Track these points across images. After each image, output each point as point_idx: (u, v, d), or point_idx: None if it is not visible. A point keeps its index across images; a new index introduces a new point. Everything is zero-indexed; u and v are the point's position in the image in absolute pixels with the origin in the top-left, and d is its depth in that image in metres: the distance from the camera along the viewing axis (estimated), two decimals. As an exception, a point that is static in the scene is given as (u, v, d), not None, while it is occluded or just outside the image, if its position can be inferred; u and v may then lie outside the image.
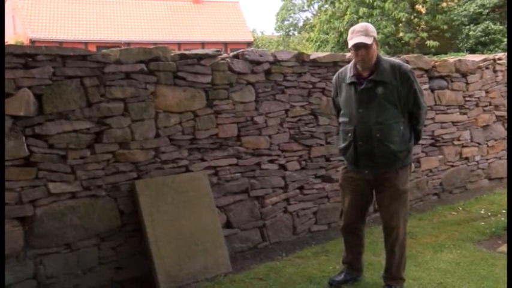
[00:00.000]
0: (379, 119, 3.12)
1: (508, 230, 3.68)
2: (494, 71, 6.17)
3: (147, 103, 3.65)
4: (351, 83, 3.23)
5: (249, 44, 31.32)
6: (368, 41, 3.05)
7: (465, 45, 17.74)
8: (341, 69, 3.41)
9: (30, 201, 3.19)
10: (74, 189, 3.36)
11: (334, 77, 3.46)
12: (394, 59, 3.33)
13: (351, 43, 3.11)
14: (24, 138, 3.13)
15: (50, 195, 3.27)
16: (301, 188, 4.57)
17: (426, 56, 5.83)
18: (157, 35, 29.00)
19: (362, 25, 3.14)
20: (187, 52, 3.91)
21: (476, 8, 17.39)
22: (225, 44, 30.46)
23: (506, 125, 6.36)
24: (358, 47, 3.08)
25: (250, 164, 4.24)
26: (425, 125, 5.02)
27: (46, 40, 24.57)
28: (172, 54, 3.80)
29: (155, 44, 23.49)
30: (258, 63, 4.21)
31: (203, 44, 28.76)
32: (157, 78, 3.70)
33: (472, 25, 17.45)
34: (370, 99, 3.14)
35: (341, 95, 3.33)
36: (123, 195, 3.58)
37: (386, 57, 3.36)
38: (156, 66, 3.69)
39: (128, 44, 25.21)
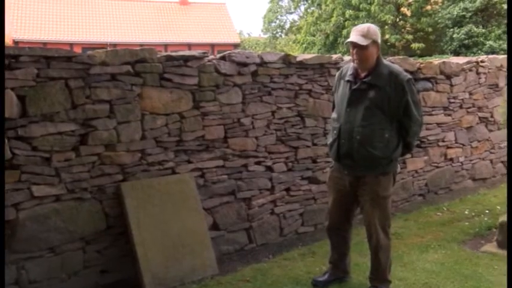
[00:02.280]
0: (363, 122, 3.11)
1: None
2: (477, 74, 6.24)
3: (133, 105, 3.61)
4: (348, 81, 3.23)
5: (236, 45, 31.29)
6: (362, 42, 3.05)
7: (449, 47, 17.94)
8: (345, 66, 3.41)
9: (13, 204, 3.13)
10: (58, 192, 3.32)
11: (337, 73, 3.46)
12: (396, 66, 3.26)
13: (347, 40, 3.16)
14: (7, 140, 3.08)
15: (33, 199, 3.22)
16: (287, 189, 4.57)
17: (411, 58, 5.88)
18: (144, 37, 28.83)
19: (364, 26, 3.15)
20: (173, 54, 3.89)
21: (459, 11, 17.61)
22: (212, 45, 30.40)
23: (489, 126, 6.44)
24: (353, 45, 3.10)
25: (237, 166, 4.23)
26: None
27: (30, 41, 24.27)
28: (158, 55, 3.77)
29: (141, 45, 23.22)
30: (245, 64, 4.20)
31: (190, 46, 28.68)
32: (143, 80, 3.66)
33: (455, 28, 17.67)
34: (360, 100, 3.14)
35: (338, 91, 3.34)
36: (108, 197, 3.54)
37: (389, 63, 3.30)
38: (143, 67, 3.66)
39: (114, 45, 25.08)
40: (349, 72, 3.24)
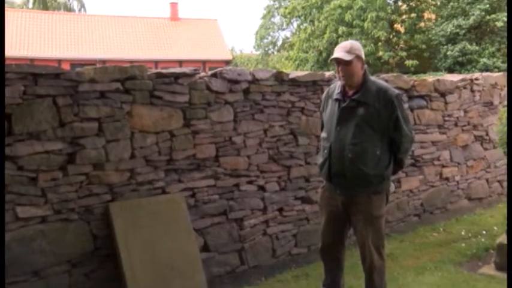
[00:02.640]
0: (354, 140, 3.13)
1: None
2: (472, 91, 6.31)
3: (122, 123, 3.61)
4: (336, 100, 3.27)
5: (227, 62, 31.45)
6: (347, 57, 3.10)
7: (443, 64, 18.13)
8: (332, 85, 3.45)
9: (-2, 225, 3.10)
10: (44, 213, 3.29)
11: (325, 92, 3.51)
12: (384, 83, 3.32)
13: (331, 57, 3.22)
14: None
15: (17, 220, 3.18)
16: (280, 209, 4.56)
17: (405, 76, 5.94)
18: (134, 53, 28.93)
19: (347, 42, 3.21)
20: (164, 71, 3.91)
21: (453, 28, 17.86)
22: (203, 62, 30.55)
23: (484, 145, 6.48)
24: (337, 62, 3.15)
25: (229, 185, 4.22)
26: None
27: (17, 57, 24.23)
28: (148, 72, 3.78)
29: (131, 62, 23.33)
30: (237, 82, 4.22)
31: (181, 62, 28.77)
32: (133, 97, 3.67)
33: (449, 45, 17.90)
34: (350, 118, 3.17)
35: (326, 110, 3.37)
36: (96, 218, 3.52)
37: (376, 79, 3.36)
38: (132, 85, 3.67)
39: (103, 62, 25.07)
40: (337, 91, 3.28)
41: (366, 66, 3.25)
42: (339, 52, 3.13)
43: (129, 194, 3.67)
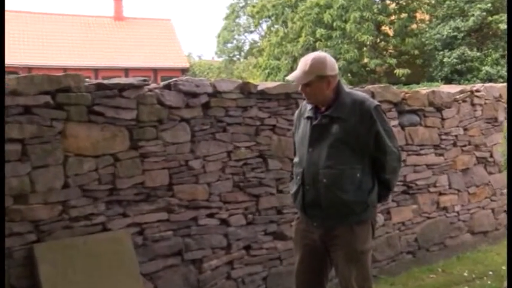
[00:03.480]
0: (328, 162, 3.16)
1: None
2: (473, 105, 6.43)
3: (53, 145, 3.58)
4: (307, 118, 3.31)
5: (183, 71, 31.54)
6: (302, 79, 3.17)
7: (439, 73, 18.44)
8: (304, 102, 3.48)
9: None
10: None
11: (297, 110, 3.56)
12: (361, 93, 3.37)
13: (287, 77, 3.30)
14: None
15: None
16: (247, 247, 4.56)
17: (395, 87, 6.04)
18: (69, 59, 28.67)
19: (308, 58, 3.21)
20: (106, 81, 3.91)
21: (450, 31, 18.19)
22: (155, 70, 30.56)
23: (488, 168, 6.61)
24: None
25: (185, 220, 4.21)
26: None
27: None
28: (86, 83, 3.78)
29: (65, 69, 23.22)
30: (194, 95, 4.24)
31: (127, 71, 28.71)
32: (67, 113, 3.65)
33: (446, 51, 18.22)
34: (323, 137, 3.20)
35: (298, 131, 3.41)
36: (17, 264, 3.46)
37: (351, 90, 3.42)
38: (66, 98, 3.65)
39: (29, 69, 24.76)
40: (309, 107, 3.33)
41: (338, 79, 3.27)
42: (296, 71, 3.20)
43: (60, 232, 3.62)
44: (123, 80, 3.99)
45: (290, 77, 3.23)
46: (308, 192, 3.24)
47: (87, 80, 3.84)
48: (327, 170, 3.16)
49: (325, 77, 3.17)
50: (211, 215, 4.37)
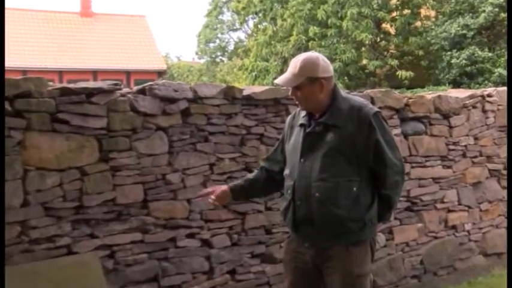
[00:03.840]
0: (322, 175, 3.16)
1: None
2: (484, 111, 6.44)
3: (10, 157, 3.57)
4: (301, 125, 3.32)
5: (160, 73, 31.53)
6: (291, 83, 3.19)
7: (446, 76, 18.49)
8: (297, 109, 3.49)
9: None
10: None
11: (288, 118, 3.56)
12: (359, 99, 3.37)
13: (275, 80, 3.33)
14: None
15: None
16: (232, 271, 4.57)
17: (397, 91, 6.06)
18: (29, 60, 28.53)
19: (298, 59, 3.24)
20: (72, 85, 3.91)
21: (458, 29, 18.21)
22: (127, 73, 30.53)
23: (502, 182, 6.63)
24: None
25: (162, 241, 4.21)
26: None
27: None
28: (50, 88, 3.77)
29: (25, 72, 23.05)
30: (172, 101, 4.26)
31: (95, 73, 28.61)
32: (27, 121, 3.65)
33: (454, 51, 18.25)
34: (316, 147, 3.20)
35: (289, 141, 3.41)
36: (-28, 291, 3.42)
37: (349, 96, 3.43)
38: (26, 104, 3.65)
39: (-14, 72, 24.58)
40: (303, 114, 3.34)
41: (333, 83, 3.30)
42: (285, 74, 3.23)
43: (18, 256, 3.61)
44: (91, 84, 3.99)
45: (278, 81, 3.25)
46: (299, 208, 3.23)
47: (50, 83, 3.84)
48: (320, 182, 3.16)
49: (317, 79, 3.18)
50: (191, 235, 4.37)
